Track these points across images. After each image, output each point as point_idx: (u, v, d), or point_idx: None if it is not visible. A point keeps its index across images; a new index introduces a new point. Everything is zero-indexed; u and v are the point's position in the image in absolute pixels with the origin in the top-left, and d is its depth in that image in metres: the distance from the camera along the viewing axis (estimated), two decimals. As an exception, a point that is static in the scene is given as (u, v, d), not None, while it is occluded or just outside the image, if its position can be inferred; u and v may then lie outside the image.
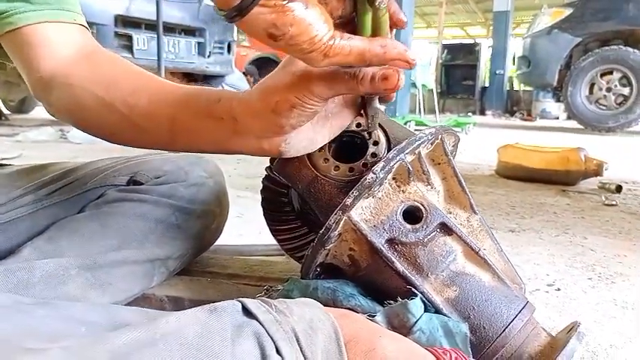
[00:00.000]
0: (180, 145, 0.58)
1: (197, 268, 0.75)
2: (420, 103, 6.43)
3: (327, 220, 0.52)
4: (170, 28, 3.77)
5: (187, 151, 0.69)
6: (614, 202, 1.68)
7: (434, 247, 0.52)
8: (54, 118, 0.66)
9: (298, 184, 0.60)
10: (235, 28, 4.55)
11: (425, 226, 0.52)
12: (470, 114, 8.70)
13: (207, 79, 4.57)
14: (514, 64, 6.86)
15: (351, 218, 0.51)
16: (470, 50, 11.56)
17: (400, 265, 0.51)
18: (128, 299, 0.63)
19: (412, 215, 0.53)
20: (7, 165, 0.76)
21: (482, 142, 4.05)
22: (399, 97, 6.27)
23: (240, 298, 0.41)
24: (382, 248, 0.51)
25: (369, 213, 0.52)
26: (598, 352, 0.68)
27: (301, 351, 0.37)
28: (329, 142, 0.56)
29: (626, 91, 5.18)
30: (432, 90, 6.81)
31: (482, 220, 0.57)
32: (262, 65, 7.13)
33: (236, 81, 4.90)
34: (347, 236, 0.53)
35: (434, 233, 0.53)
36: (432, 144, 0.55)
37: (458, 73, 11.38)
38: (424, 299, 0.50)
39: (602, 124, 5.36)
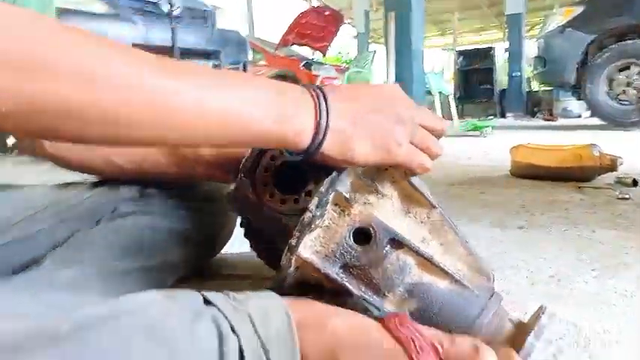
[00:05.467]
0: None
1: (208, 272, 0.80)
2: (437, 110, 6.43)
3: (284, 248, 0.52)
4: (186, 53, 3.89)
5: None
6: (627, 196, 1.67)
7: (387, 264, 0.53)
8: None
9: (250, 216, 0.62)
10: (249, 48, 4.62)
11: (375, 246, 0.52)
12: (491, 117, 8.63)
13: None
14: (530, 65, 6.82)
15: (300, 255, 0.51)
16: (485, 54, 11.48)
17: (357, 290, 0.52)
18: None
19: (364, 235, 0.53)
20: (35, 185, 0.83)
21: (501, 144, 4.03)
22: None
23: (202, 291, 0.44)
24: (337, 277, 0.52)
25: (319, 244, 0.52)
26: (591, 337, 0.70)
27: (255, 331, 0.41)
28: (271, 174, 0.59)
29: (646, 84, 5.09)
30: (448, 96, 6.81)
31: (443, 213, 0.57)
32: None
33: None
34: (305, 266, 0.53)
35: (385, 250, 0.53)
36: None
37: (475, 78, 11.32)
38: None
39: (625, 119, 5.26)
